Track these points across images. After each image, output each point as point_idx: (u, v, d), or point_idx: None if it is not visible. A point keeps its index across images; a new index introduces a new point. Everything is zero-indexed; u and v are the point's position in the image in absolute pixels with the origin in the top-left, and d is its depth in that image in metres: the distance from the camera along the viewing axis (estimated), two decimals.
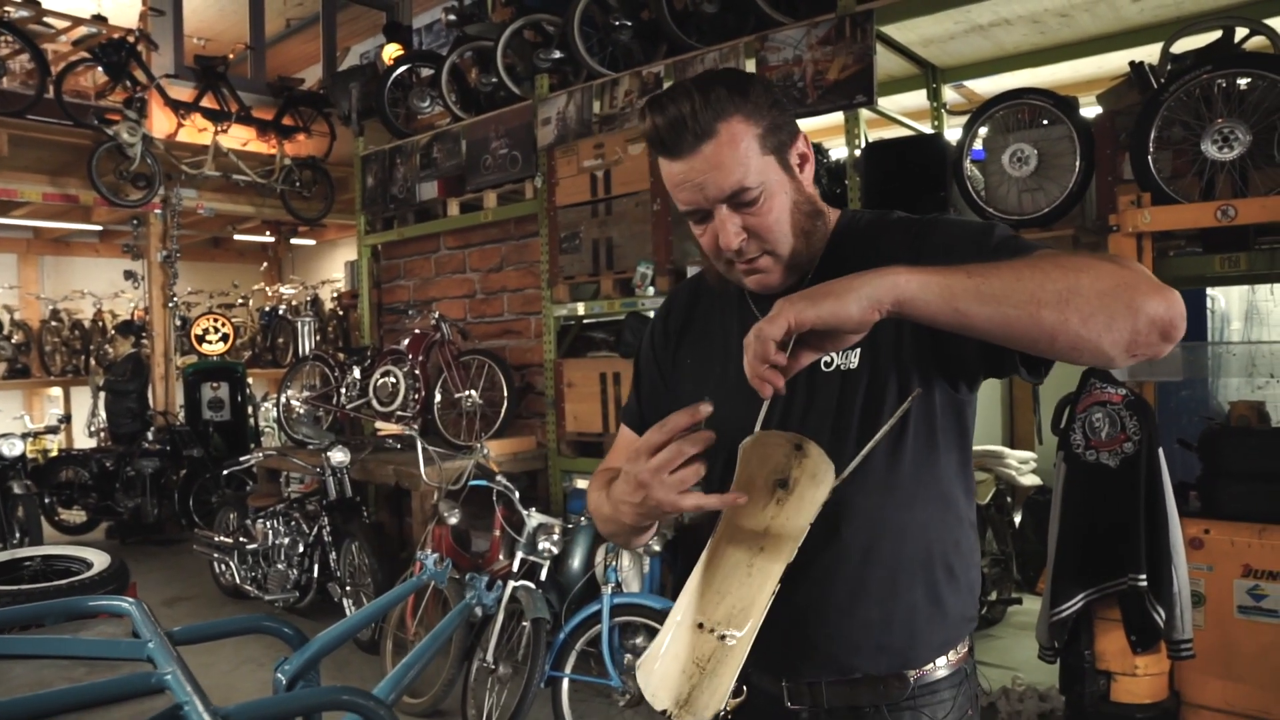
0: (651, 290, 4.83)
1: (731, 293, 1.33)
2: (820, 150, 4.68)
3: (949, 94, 5.07)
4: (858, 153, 4.15)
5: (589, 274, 5.11)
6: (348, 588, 4.89)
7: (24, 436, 6.68)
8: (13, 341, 9.72)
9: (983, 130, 3.89)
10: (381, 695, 0.62)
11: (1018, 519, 4.81)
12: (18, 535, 6.07)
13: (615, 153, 5.00)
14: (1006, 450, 4.64)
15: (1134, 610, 2.87)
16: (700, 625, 1.05)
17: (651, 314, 5.41)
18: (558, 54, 5.38)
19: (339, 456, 4.97)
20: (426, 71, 6.74)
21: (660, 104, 1.15)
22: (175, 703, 0.60)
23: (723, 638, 1.04)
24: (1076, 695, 3.04)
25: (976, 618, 1.31)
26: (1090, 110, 3.92)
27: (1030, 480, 4.60)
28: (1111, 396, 2.96)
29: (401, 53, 7.06)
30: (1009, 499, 4.79)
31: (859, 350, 1.20)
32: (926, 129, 4.90)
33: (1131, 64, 3.72)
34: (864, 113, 4.22)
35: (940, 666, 1.23)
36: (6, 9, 7.10)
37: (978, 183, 3.92)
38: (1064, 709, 3.17)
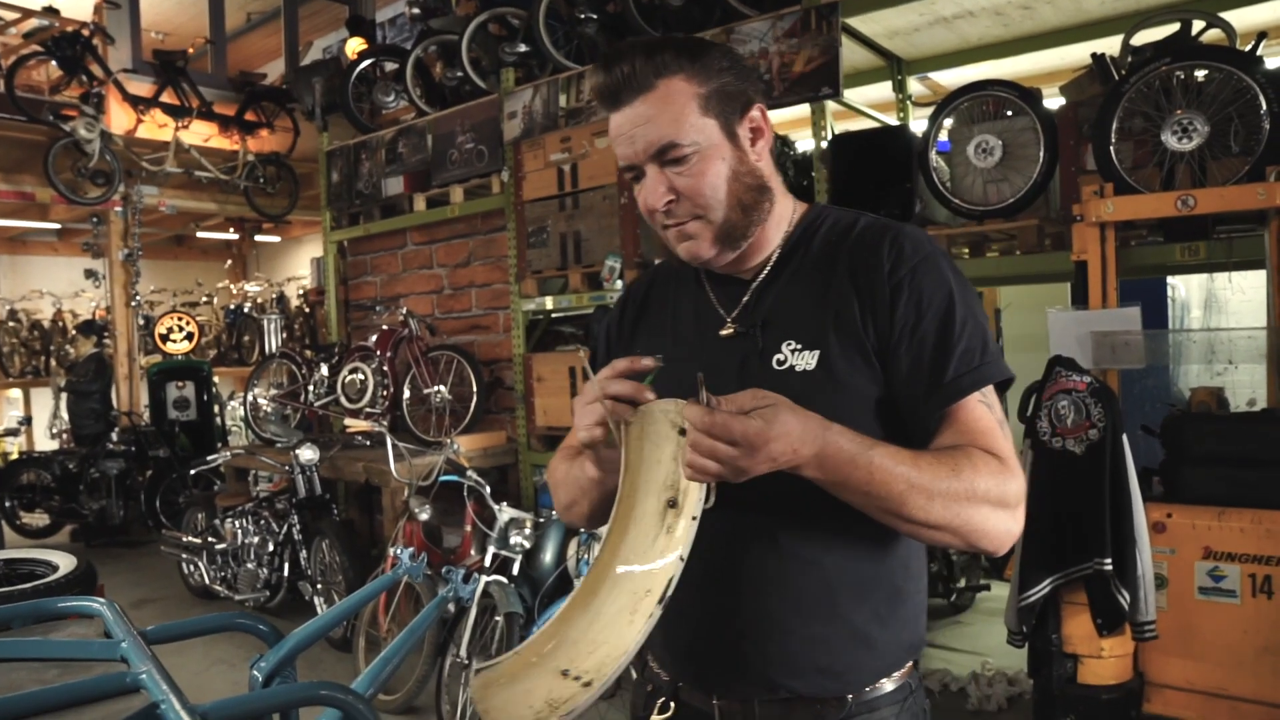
0: (620, 283, 4.83)
1: (689, 275, 1.31)
2: (786, 142, 4.71)
3: (914, 86, 5.12)
4: (824, 145, 4.18)
5: (557, 268, 5.09)
6: (319, 585, 4.85)
7: None
8: None
9: (948, 122, 3.93)
10: (360, 690, 0.62)
11: None
12: None
13: (582, 146, 4.99)
14: None
15: (1100, 594, 2.92)
16: (565, 673, 0.97)
17: None
18: (523, 47, 5.35)
19: (308, 454, 4.92)
20: (391, 66, 6.68)
21: (607, 59, 1.15)
22: (151, 701, 0.59)
23: (588, 684, 0.95)
24: (1044, 678, 3.08)
25: (924, 642, 1.26)
26: (1053, 102, 3.97)
27: None
28: (1077, 384, 3.00)
29: (365, 47, 6.99)
30: None
31: (818, 351, 1.15)
32: (892, 121, 4.95)
33: (1093, 56, 3.77)
34: (830, 105, 4.24)
35: (882, 687, 1.17)
36: None
37: (943, 174, 3.96)
38: (1032, 692, 3.22)
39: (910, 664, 1.21)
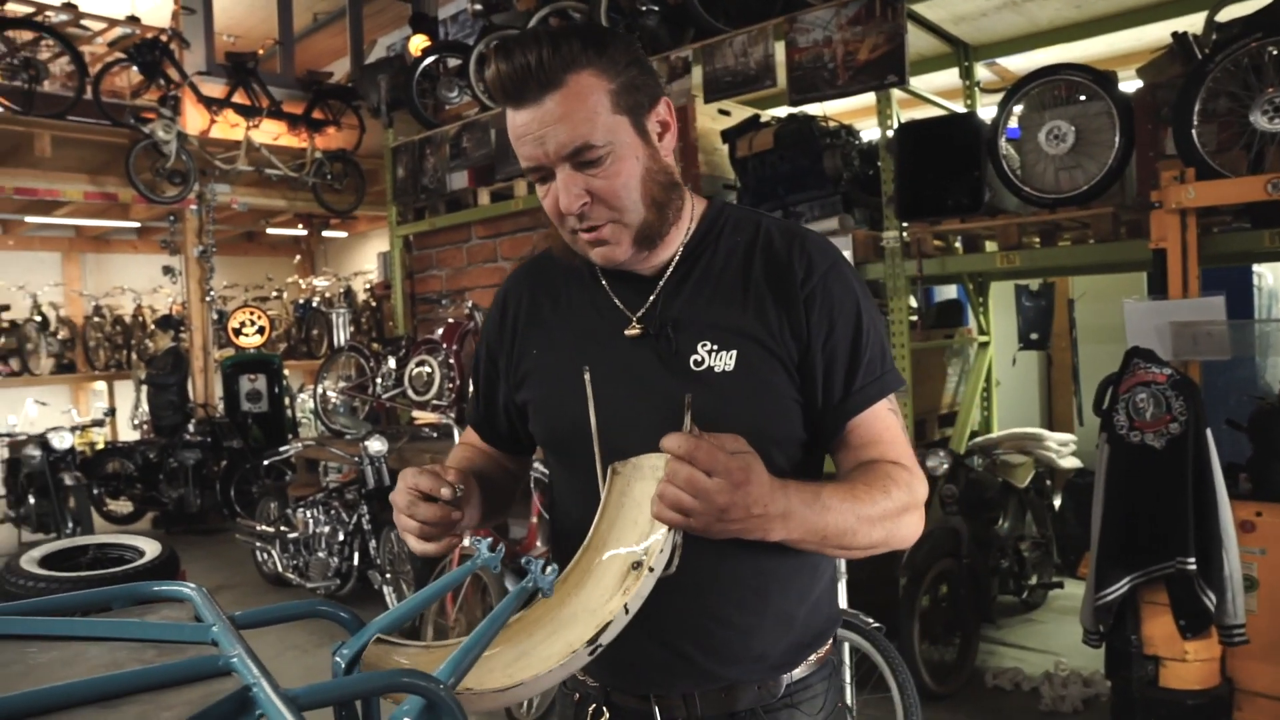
0: None
1: (580, 269, 1.24)
2: (851, 132, 4.64)
3: (982, 72, 5.00)
4: (890, 133, 4.11)
5: None
6: (387, 575, 4.95)
7: (72, 430, 6.82)
8: (59, 338, 9.91)
9: (1018, 108, 3.83)
10: (442, 678, 0.63)
11: (1057, 502, 4.75)
12: (70, 525, 6.21)
13: None
14: (1045, 432, 4.58)
15: (1183, 594, 2.82)
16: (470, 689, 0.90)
17: None
18: None
19: (376, 446, 5.02)
20: (454, 62, 6.75)
21: (508, 50, 1.06)
22: (244, 684, 0.61)
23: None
24: (1123, 680, 3.00)
25: (840, 615, 1.30)
26: (1129, 84, 3.84)
27: (1070, 463, 4.54)
28: (1156, 376, 2.91)
29: (428, 44, 7.07)
30: (1048, 482, 4.73)
31: (735, 352, 1.13)
32: (959, 108, 4.84)
33: (1174, 35, 3.64)
34: (895, 93, 4.17)
35: (811, 663, 1.21)
36: (47, 14, 7.22)
37: (1013, 162, 3.87)
38: (1110, 694, 3.13)
39: (831, 640, 1.25)
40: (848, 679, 2.87)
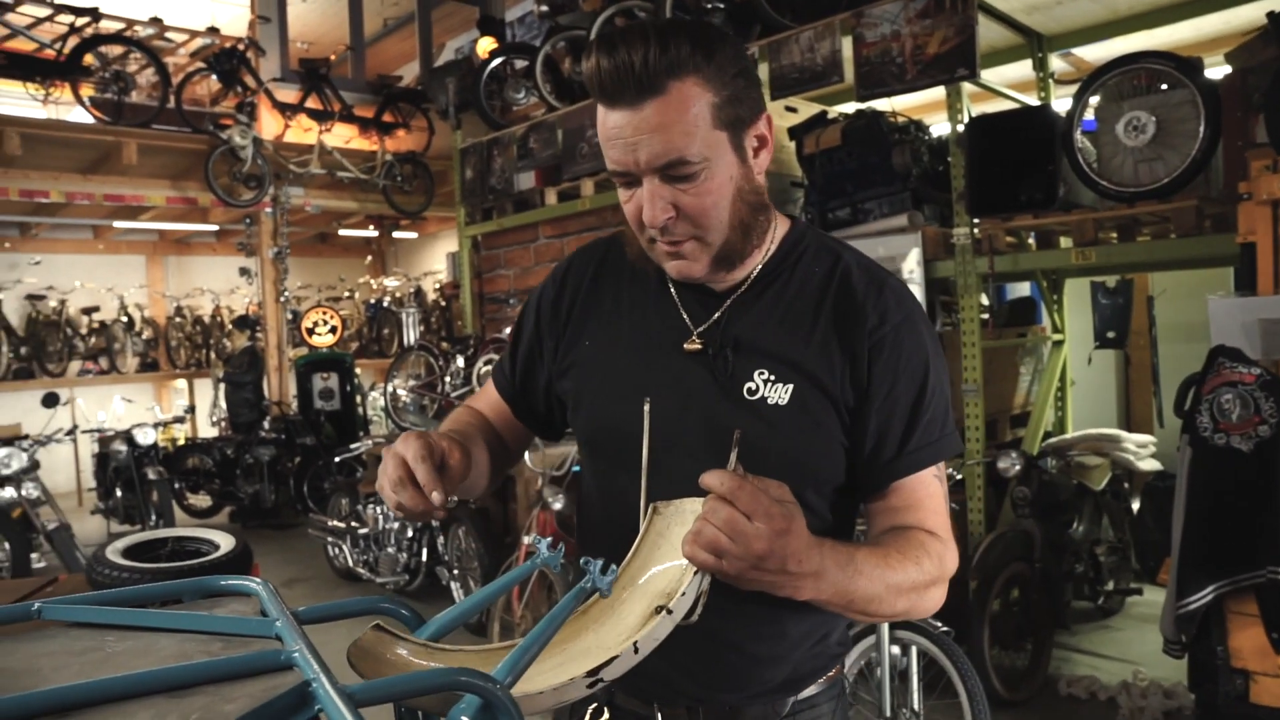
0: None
1: (650, 273, 1.18)
2: (921, 127, 4.55)
3: (1056, 63, 4.85)
4: (960, 128, 4.01)
5: None
6: (455, 571, 5.02)
7: (155, 426, 7.08)
8: (143, 337, 10.30)
9: (1094, 99, 3.70)
10: (499, 677, 0.63)
11: (1136, 506, 4.59)
12: (153, 517, 6.45)
13: None
14: (1123, 434, 4.43)
15: (1275, 605, 2.70)
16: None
17: None
18: None
19: None
20: (521, 63, 6.82)
21: (610, 44, 0.98)
22: (304, 679, 0.62)
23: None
24: (1208, 694, 2.88)
25: (850, 637, 1.26)
26: (1216, 71, 3.69)
27: (1149, 465, 4.38)
28: (1244, 376, 2.79)
29: (495, 46, 7.15)
30: (1126, 485, 4.58)
31: (791, 386, 1.09)
32: (1033, 101, 4.71)
33: (1270, 15, 3.47)
34: (966, 86, 4.07)
35: (820, 683, 1.18)
36: (135, 28, 7.51)
37: (1089, 155, 3.74)
38: (1194, 708, 3.02)
39: (841, 663, 1.22)
40: (915, 684, 2.82)
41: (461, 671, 0.70)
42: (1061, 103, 4.38)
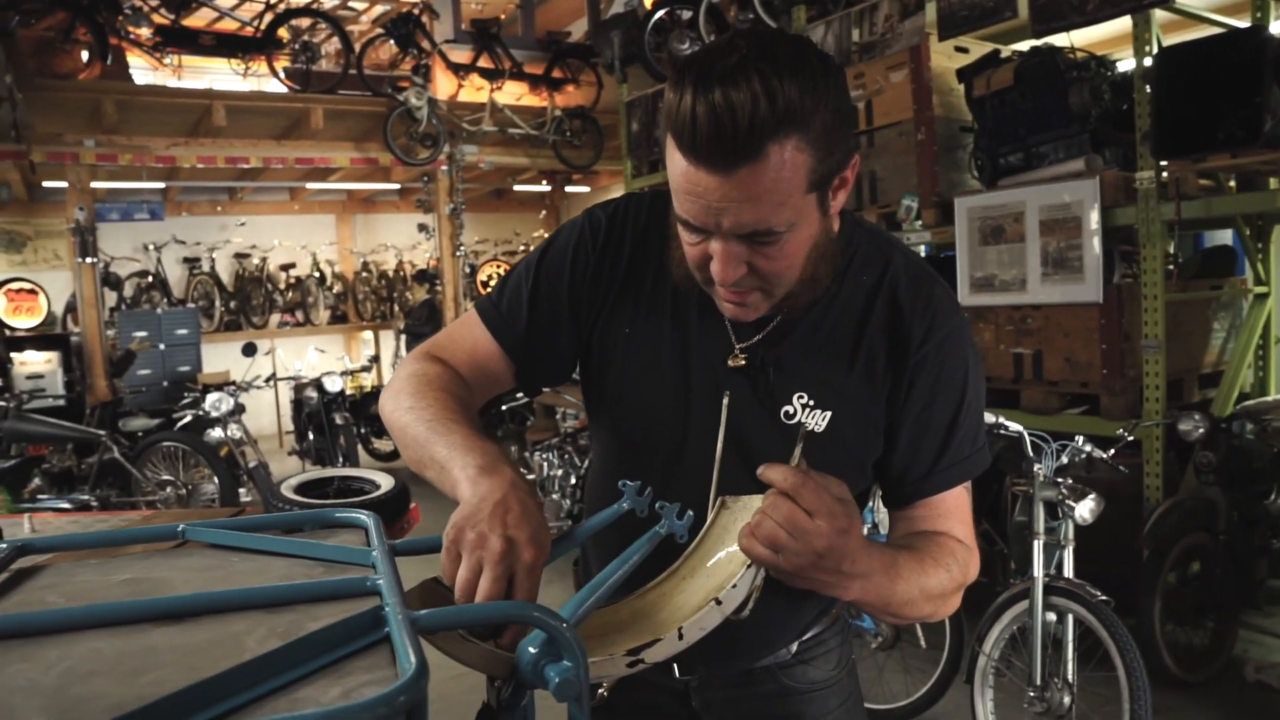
0: (919, 224, 4.61)
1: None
2: (1103, 63, 4.19)
3: None
4: (1148, 62, 3.67)
5: (852, 209, 4.94)
6: None
7: (342, 374, 7.64)
8: (334, 292, 11.10)
9: None
10: (566, 615, 0.65)
11: None
12: (340, 459, 7.00)
13: (876, 82, 4.79)
14: None
15: None
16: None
17: (919, 249, 5.12)
18: None
19: None
20: (685, 14, 6.76)
21: (707, 86, 0.85)
22: (380, 605, 0.67)
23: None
24: None
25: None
26: None
27: None
28: None
29: None
30: None
31: (830, 413, 1.07)
32: (1244, 25, 4.22)
33: None
34: (1158, 14, 3.71)
35: (823, 621, 1.20)
36: (320, 0, 8.00)
37: None
38: None
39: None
40: (1070, 654, 2.69)
41: (529, 605, 0.73)
42: None
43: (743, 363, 1.08)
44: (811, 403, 1.07)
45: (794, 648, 1.19)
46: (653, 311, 1.12)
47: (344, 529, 0.97)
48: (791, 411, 1.07)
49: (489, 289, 1.27)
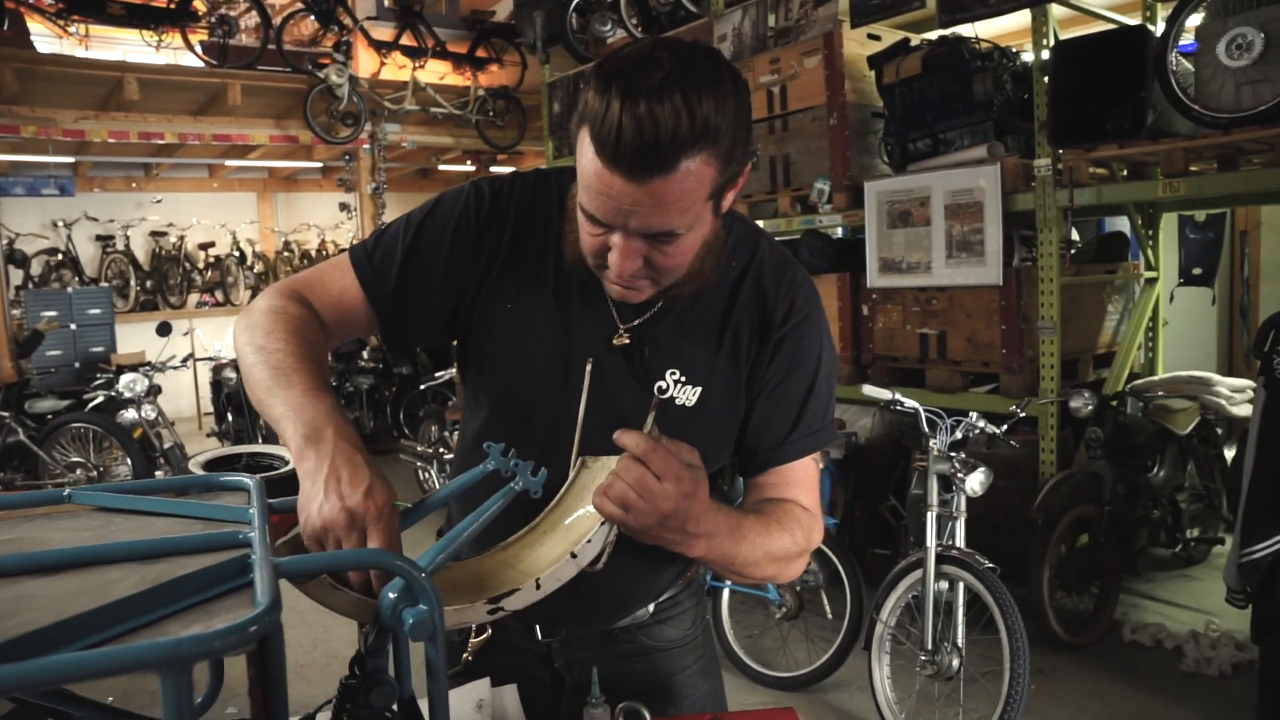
0: (829, 206, 4.73)
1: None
2: (1007, 54, 4.36)
3: None
4: (1046, 54, 3.83)
5: (766, 192, 5.06)
6: None
7: None
8: (254, 271, 10.86)
9: (1194, 19, 3.48)
10: (423, 564, 0.70)
11: (1229, 453, 4.40)
12: (260, 439, 6.89)
13: (791, 67, 4.88)
14: (1215, 377, 4.23)
15: None
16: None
17: (834, 233, 5.26)
18: None
19: None
20: None
21: (634, 101, 0.88)
22: (248, 553, 0.72)
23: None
24: (1272, 647, 2.80)
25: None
26: None
27: (1243, 410, 4.18)
28: None
29: None
30: (1218, 430, 4.39)
31: (700, 389, 1.14)
32: (1134, 23, 4.43)
33: None
34: (1055, 10, 3.88)
35: (679, 584, 1.28)
36: None
37: (1185, 78, 3.53)
38: (1259, 660, 2.94)
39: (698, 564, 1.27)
40: (959, 619, 2.84)
41: (383, 552, 0.79)
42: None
43: (627, 341, 1.13)
44: (684, 379, 1.14)
45: (651, 609, 1.26)
46: (535, 289, 1.15)
47: (228, 491, 1.01)
48: (664, 387, 1.13)
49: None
